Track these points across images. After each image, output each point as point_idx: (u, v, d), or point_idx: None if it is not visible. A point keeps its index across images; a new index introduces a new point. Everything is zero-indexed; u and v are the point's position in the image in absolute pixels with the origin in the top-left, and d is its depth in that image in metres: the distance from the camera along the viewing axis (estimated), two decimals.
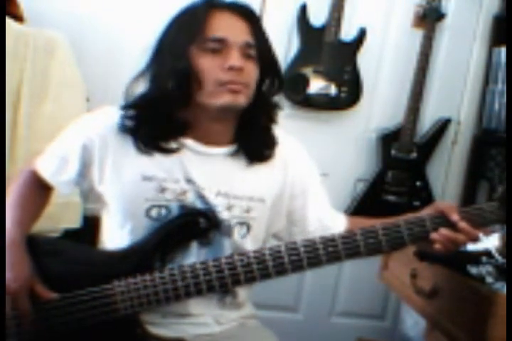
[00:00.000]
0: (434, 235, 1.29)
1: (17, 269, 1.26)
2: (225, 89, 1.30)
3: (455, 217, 1.29)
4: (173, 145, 1.34)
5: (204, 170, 1.34)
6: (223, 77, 1.29)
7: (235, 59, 1.29)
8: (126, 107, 1.35)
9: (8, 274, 1.24)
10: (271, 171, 1.40)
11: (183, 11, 1.37)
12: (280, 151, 1.41)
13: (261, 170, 1.39)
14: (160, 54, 1.34)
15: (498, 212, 1.30)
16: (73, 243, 1.41)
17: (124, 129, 1.33)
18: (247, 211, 1.36)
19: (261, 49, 1.34)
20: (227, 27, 1.32)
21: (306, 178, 1.45)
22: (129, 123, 1.33)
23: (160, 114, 1.33)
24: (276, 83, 1.39)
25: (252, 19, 1.36)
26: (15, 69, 2.11)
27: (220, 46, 1.30)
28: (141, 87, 1.36)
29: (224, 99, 1.30)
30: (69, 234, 2.14)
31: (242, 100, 1.31)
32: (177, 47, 1.31)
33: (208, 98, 1.30)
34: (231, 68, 1.29)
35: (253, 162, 1.38)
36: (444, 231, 1.29)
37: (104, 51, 2.52)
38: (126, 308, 1.26)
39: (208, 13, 1.32)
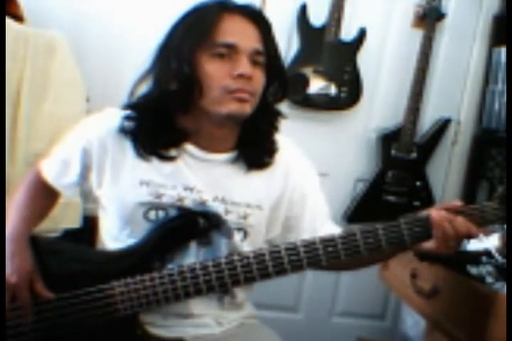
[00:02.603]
0: (434, 212, 1.27)
1: (18, 261, 1.26)
2: (232, 97, 1.27)
3: (457, 203, 1.29)
4: (172, 152, 1.33)
5: (202, 176, 1.33)
6: (231, 85, 1.27)
7: (244, 66, 1.26)
8: (127, 107, 1.34)
9: (9, 266, 1.25)
10: (271, 178, 1.39)
11: (192, 11, 1.33)
12: (281, 157, 1.40)
13: (260, 176, 1.38)
14: (166, 55, 1.31)
15: (498, 212, 1.30)
16: (73, 243, 1.41)
17: (123, 131, 1.33)
18: (244, 217, 1.35)
19: (269, 56, 1.32)
20: (237, 32, 1.28)
21: (306, 186, 1.43)
22: (129, 124, 1.33)
23: (161, 119, 1.31)
24: (281, 91, 1.37)
25: (263, 25, 1.32)
26: (15, 69, 2.11)
27: (229, 52, 1.27)
28: (145, 87, 1.35)
29: (230, 108, 1.28)
30: (69, 234, 2.14)
31: (248, 109, 1.29)
32: (184, 50, 1.28)
33: (213, 105, 1.28)
34: (240, 76, 1.26)
35: (252, 168, 1.37)
36: (443, 212, 1.27)
37: (104, 51, 2.52)
38: (127, 308, 1.26)
39: (219, 16, 1.28)
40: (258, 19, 1.32)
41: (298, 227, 1.42)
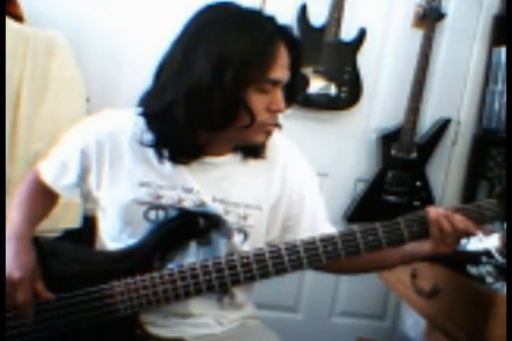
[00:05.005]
0: (431, 209, 1.28)
1: (21, 259, 1.26)
2: (263, 130, 1.29)
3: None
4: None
5: (201, 177, 1.33)
6: (268, 120, 1.27)
7: (281, 102, 1.27)
8: (149, 116, 1.30)
9: (13, 263, 1.25)
10: (269, 178, 1.38)
11: (251, 28, 1.24)
12: (280, 158, 1.40)
13: (259, 177, 1.38)
14: (219, 71, 1.20)
15: (496, 210, 1.30)
16: (73, 244, 1.41)
17: (140, 142, 1.31)
18: (244, 218, 1.34)
19: (291, 79, 1.30)
20: (283, 66, 1.26)
21: (305, 186, 1.42)
22: (147, 136, 1.30)
23: (184, 134, 1.27)
24: (288, 101, 1.33)
25: (299, 53, 1.29)
26: (15, 69, 2.11)
27: (272, 86, 1.25)
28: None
29: (258, 139, 1.30)
30: (69, 234, 2.14)
31: (268, 138, 1.32)
32: (240, 81, 1.21)
33: (244, 133, 1.27)
34: (277, 111, 1.27)
35: (248, 156, 1.36)
36: (441, 209, 1.28)
37: (103, 51, 2.52)
38: (127, 308, 1.26)
39: (278, 50, 1.23)
40: (296, 47, 1.29)
41: (297, 227, 1.41)
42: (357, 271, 1.47)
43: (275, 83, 1.25)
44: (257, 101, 1.25)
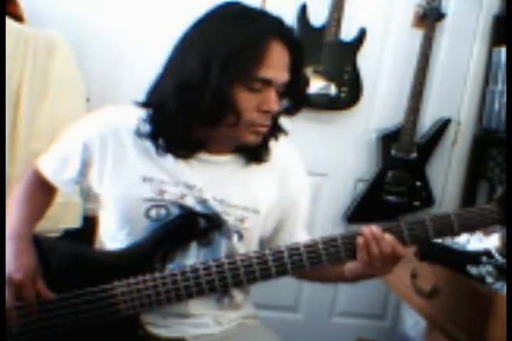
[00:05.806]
0: (365, 232, 1.24)
1: (22, 259, 1.26)
2: (252, 130, 1.28)
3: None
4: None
5: (202, 176, 1.33)
6: (256, 119, 1.26)
7: (273, 103, 1.25)
8: (147, 106, 1.31)
9: (14, 263, 1.25)
10: (269, 182, 1.39)
11: (246, 22, 1.24)
12: (280, 162, 1.40)
13: (259, 181, 1.38)
14: (205, 66, 1.21)
15: (498, 214, 1.29)
16: (73, 243, 1.41)
17: (139, 133, 1.32)
18: (241, 220, 1.34)
19: (293, 81, 1.29)
20: (277, 65, 1.24)
21: (299, 194, 1.43)
22: (145, 127, 1.31)
23: (180, 127, 1.28)
24: (295, 107, 1.34)
25: (299, 54, 1.28)
26: (15, 69, 2.11)
27: (263, 85, 1.24)
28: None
29: (247, 139, 1.29)
30: (69, 234, 2.14)
31: (260, 139, 1.31)
32: (226, 78, 1.21)
33: (232, 131, 1.27)
34: (267, 111, 1.26)
35: (251, 162, 1.37)
36: (375, 229, 1.24)
37: (103, 51, 2.51)
38: (128, 309, 1.26)
39: (269, 47, 1.22)
40: (296, 48, 1.28)
41: (280, 228, 1.43)
42: (315, 280, 1.48)
43: (267, 82, 1.24)
44: (246, 100, 1.24)
